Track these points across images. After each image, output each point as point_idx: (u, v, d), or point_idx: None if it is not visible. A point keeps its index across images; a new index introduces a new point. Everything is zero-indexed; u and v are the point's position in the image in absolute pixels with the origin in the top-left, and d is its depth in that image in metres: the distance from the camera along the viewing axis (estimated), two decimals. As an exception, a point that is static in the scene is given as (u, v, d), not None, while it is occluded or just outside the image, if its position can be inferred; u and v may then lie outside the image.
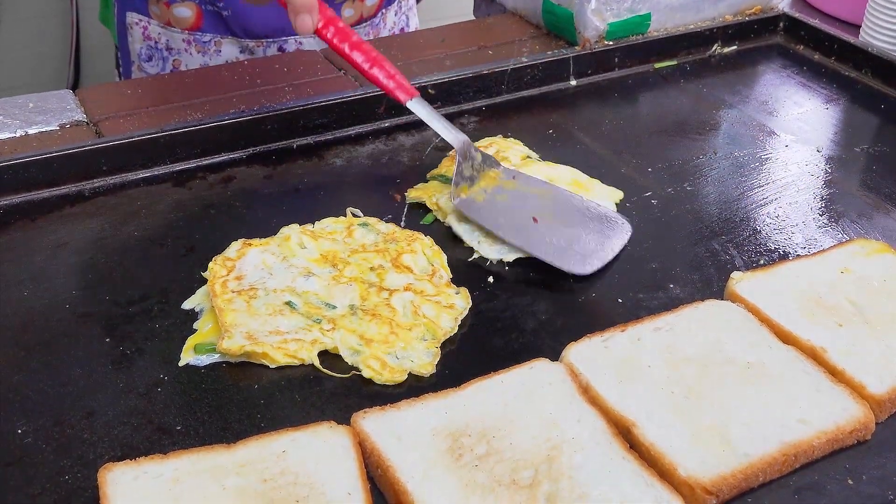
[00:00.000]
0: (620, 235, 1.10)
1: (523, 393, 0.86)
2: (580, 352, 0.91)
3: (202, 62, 1.57)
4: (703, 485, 0.77)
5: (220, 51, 1.58)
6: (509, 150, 1.25)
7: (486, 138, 1.29)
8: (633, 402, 0.85)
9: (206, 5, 1.54)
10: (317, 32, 1.13)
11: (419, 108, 1.14)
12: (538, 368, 0.88)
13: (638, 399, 0.85)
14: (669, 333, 0.93)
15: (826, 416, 0.84)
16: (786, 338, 0.93)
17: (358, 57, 1.13)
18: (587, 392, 0.87)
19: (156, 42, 1.60)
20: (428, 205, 1.15)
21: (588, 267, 1.04)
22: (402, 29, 1.76)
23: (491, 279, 1.05)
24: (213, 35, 1.56)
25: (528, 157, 1.25)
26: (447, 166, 1.20)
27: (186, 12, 1.55)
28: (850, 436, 0.84)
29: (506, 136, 1.31)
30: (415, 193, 1.16)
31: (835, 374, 0.89)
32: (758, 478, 0.80)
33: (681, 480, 0.78)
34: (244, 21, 1.54)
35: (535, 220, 1.09)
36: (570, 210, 1.12)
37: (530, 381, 0.87)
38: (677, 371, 0.88)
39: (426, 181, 1.20)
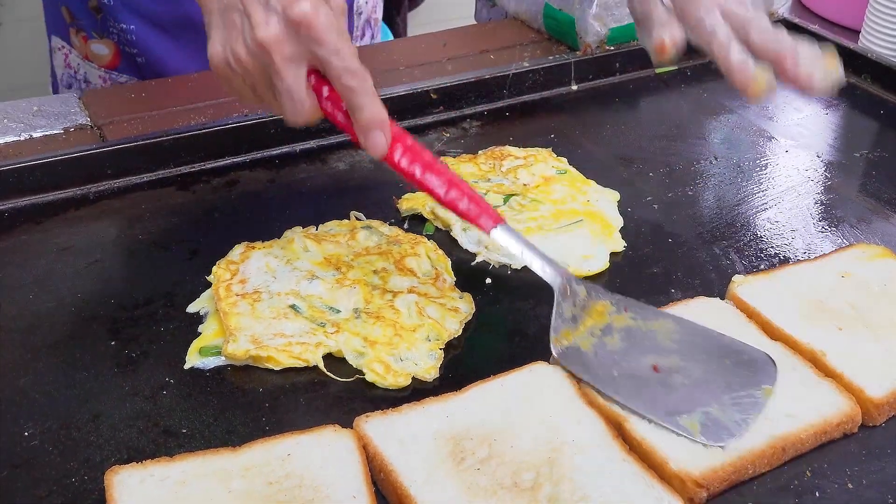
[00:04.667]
0: (764, 381, 0.88)
1: (524, 396, 0.86)
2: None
3: None
4: (693, 478, 0.79)
5: (158, 80, 1.55)
6: (537, 164, 1.24)
7: (519, 148, 1.28)
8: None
9: (123, 46, 1.51)
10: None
11: (506, 238, 0.95)
12: (538, 371, 0.89)
13: None
14: None
15: (813, 409, 0.86)
16: (786, 340, 0.94)
17: (433, 181, 0.95)
18: (581, 389, 0.88)
19: (75, 72, 1.59)
20: (424, 214, 1.15)
21: (726, 436, 0.82)
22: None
23: (494, 283, 1.05)
24: (129, 77, 1.54)
25: (562, 169, 1.23)
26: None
27: (104, 50, 1.53)
28: (837, 428, 0.85)
29: (518, 146, 1.31)
30: (407, 204, 1.16)
31: (834, 377, 0.90)
32: (747, 470, 0.81)
33: (672, 474, 0.79)
34: (157, 68, 1.51)
35: (655, 368, 0.89)
36: (700, 351, 0.92)
37: (530, 384, 0.88)
38: None
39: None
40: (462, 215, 0.95)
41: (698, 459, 0.80)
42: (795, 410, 0.85)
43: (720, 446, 0.81)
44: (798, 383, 0.89)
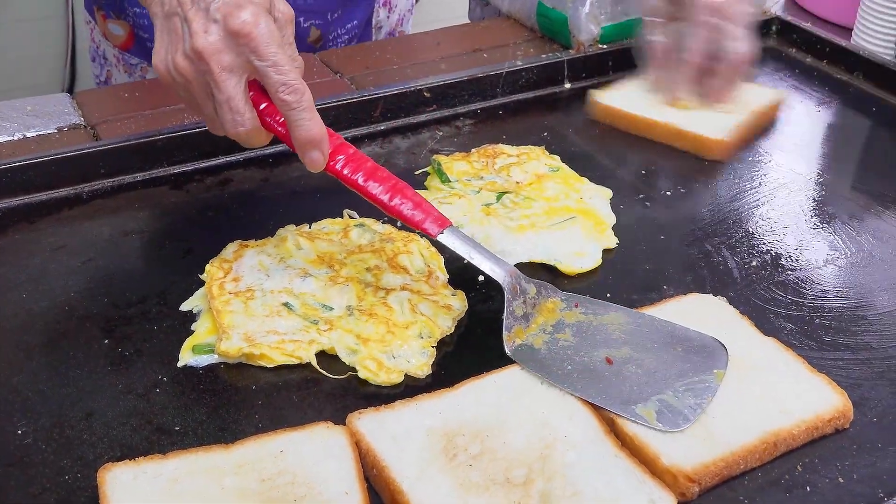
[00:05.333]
0: (715, 366, 0.90)
1: (516, 392, 0.87)
2: None
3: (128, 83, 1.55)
4: (685, 473, 0.79)
5: (146, 77, 1.56)
6: (530, 162, 1.24)
7: (512, 146, 1.29)
8: None
9: (137, 29, 1.52)
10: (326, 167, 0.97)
11: (453, 241, 0.95)
12: (532, 368, 0.90)
13: None
14: None
15: (805, 405, 0.86)
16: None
17: (376, 188, 0.96)
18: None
19: (97, 47, 1.60)
20: None
21: (680, 421, 0.84)
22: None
23: (486, 280, 1.05)
24: (139, 60, 1.55)
25: (555, 167, 1.24)
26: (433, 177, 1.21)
27: (119, 30, 1.54)
28: (829, 424, 0.86)
29: (512, 143, 1.31)
30: None
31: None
32: (739, 466, 0.82)
33: (663, 469, 0.80)
34: None
35: (608, 360, 0.91)
36: (651, 340, 0.93)
37: (523, 380, 0.88)
38: None
39: (422, 184, 1.21)
40: (407, 221, 0.96)
41: (690, 455, 0.81)
42: (787, 406, 0.86)
43: (678, 431, 0.83)
44: (790, 380, 0.89)
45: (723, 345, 0.91)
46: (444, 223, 0.95)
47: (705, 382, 0.88)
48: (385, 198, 0.96)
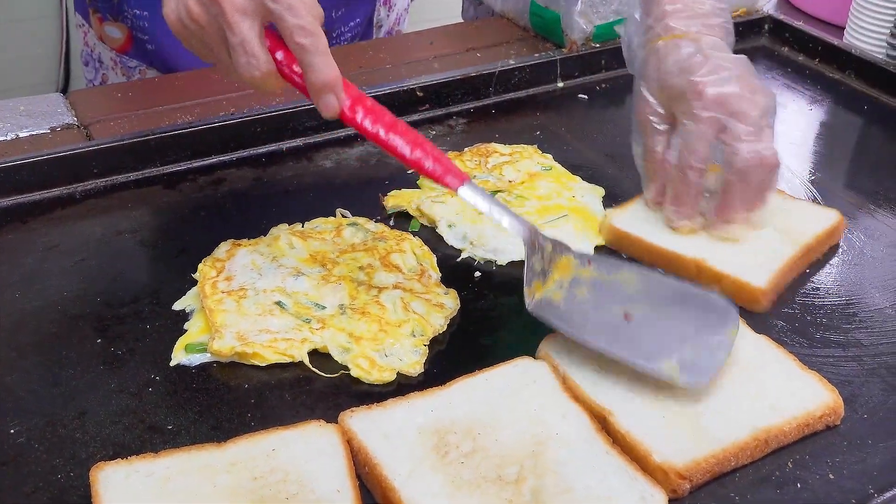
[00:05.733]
0: (728, 324, 0.91)
1: (508, 390, 0.87)
2: (557, 345, 0.92)
3: None
4: (676, 470, 0.80)
5: (144, 80, 1.55)
6: (522, 161, 1.24)
7: (505, 145, 1.29)
8: (608, 392, 0.88)
9: (136, 31, 1.51)
10: (342, 117, 0.93)
11: (473, 195, 0.93)
12: (522, 366, 0.90)
13: (613, 389, 0.88)
14: None
15: (796, 402, 0.87)
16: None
17: (397, 141, 0.93)
18: (565, 383, 0.89)
19: (91, 51, 1.59)
20: (410, 212, 1.15)
21: (702, 377, 0.86)
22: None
23: (479, 279, 1.06)
24: (138, 63, 1.54)
25: (547, 166, 1.24)
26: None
27: (117, 33, 1.53)
28: (820, 420, 0.86)
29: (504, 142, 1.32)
30: (393, 201, 1.16)
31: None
32: (730, 462, 0.82)
33: (655, 466, 0.80)
34: (165, 57, 1.52)
35: (626, 316, 0.92)
36: (665, 299, 0.94)
37: (515, 378, 0.88)
38: None
39: (415, 182, 1.21)
40: (428, 174, 0.94)
41: (681, 452, 0.81)
42: (779, 403, 0.86)
43: (702, 385, 0.85)
44: (781, 377, 0.90)
45: (734, 304, 0.93)
46: (463, 178, 0.94)
47: (720, 339, 0.89)
48: (406, 151, 0.93)
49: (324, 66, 0.90)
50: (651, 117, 1.09)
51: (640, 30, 1.14)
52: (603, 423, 0.85)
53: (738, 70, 1.06)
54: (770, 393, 0.88)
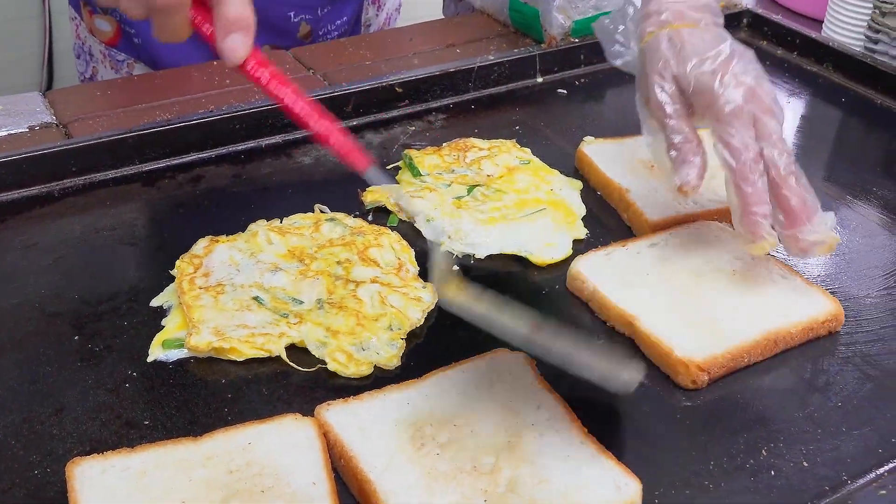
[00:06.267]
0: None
1: (484, 382, 0.87)
2: (587, 263, 1.03)
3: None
4: (696, 363, 0.89)
5: (132, 73, 1.56)
6: (501, 155, 1.24)
7: (484, 140, 1.29)
8: (634, 300, 0.97)
9: (124, 24, 1.51)
10: (241, 68, 0.88)
11: (378, 178, 0.90)
12: (498, 358, 0.90)
13: (638, 298, 0.98)
14: (664, 248, 1.06)
15: (802, 309, 0.97)
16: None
17: (292, 98, 0.90)
18: (594, 296, 1.00)
19: (83, 43, 1.59)
20: (388, 207, 1.15)
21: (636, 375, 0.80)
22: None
23: (457, 271, 1.06)
24: (126, 56, 1.54)
25: (526, 160, 1.24)
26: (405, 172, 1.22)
27: (105, 26, 1.53)
28: (823, 326, 0.97)
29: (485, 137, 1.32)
30: (371, 197, 1.16)
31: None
32: (743, 359, 0.92)
33: (677, 360, 0.90)
34: (151, 51, 1.52)
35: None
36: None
37: (490, 370, 0.89)
38: (672, 277, 1.01)
39: (394, 178, 1.22)
40: (334, 148, 0.89)
41: (700, 348, 0.91)
42: (787, 311, 0.96)
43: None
44: (788, 289, 1.00)
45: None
46: (370, 161, 0.89)
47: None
48: (311, 121, 0.89)
49: (238, 4, 0.85)
50: (667, 108, 1.01)
51: (637, 18, 1.09)
52: (629, 327, 0.95)
53: (756, 63, 1.02)
54: (779, 302, 0.97)
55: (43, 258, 1.07)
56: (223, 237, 1.07)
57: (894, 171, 1.28)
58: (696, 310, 0.96)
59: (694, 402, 0.90)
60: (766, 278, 1.01)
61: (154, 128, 1.24)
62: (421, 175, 1.19)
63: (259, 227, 1.08)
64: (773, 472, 0.82)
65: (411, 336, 0.96)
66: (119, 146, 1.22)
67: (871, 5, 1.55)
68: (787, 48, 1.58)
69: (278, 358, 0.93)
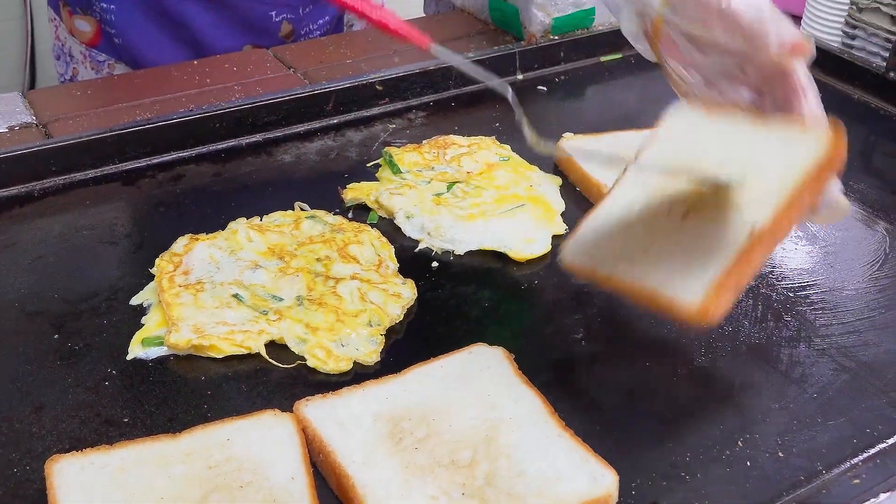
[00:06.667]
0: None
1: (462, 377, 0.88)
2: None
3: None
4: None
5: (113, 74, 1.56)
6: (481, 152, 1.25)
7: (466, 137, 1.29)
8: None
9: (104, 25, 1.52)
10: None
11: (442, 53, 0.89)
12: (476, 353, 0.91)
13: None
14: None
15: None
16: None
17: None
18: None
19: (62, 44, 1.59)
20: (368, 204, 1.16)
21: None
22: None
23: (436, 267, 1.06)
24: (107, 57, 1.55)
25: (505, 156, 1.25)
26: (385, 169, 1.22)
27: (86, 26, 1.54)
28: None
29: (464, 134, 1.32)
30: (352, 194, 1.17)
31: None
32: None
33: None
34: (132, 52, 1.53)
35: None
36: None
37: (469, 365, 0.89)
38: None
39: (374, 175, 1.22)
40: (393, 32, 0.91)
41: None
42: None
43: None
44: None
45: None
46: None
47: None
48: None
49: None
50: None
51: None
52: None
53: None
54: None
55: (22, 257, 1.07)
56: (203, 235, 1.07)
57: (871, 165, 1.30)
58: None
59: (671, 393, 0.91)
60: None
61: (134, 127, 1.24)
62: (401, 172, 1.20)
63: (239, 225, 1.08)
64: (748, 463, 0.83)
65: (391, 332, 0.97)
66: (99, 145, 1.22)
67: (848, 1, 1.56)
68: (765, 44, 1.59)
69: (258, 355, 0.93)
